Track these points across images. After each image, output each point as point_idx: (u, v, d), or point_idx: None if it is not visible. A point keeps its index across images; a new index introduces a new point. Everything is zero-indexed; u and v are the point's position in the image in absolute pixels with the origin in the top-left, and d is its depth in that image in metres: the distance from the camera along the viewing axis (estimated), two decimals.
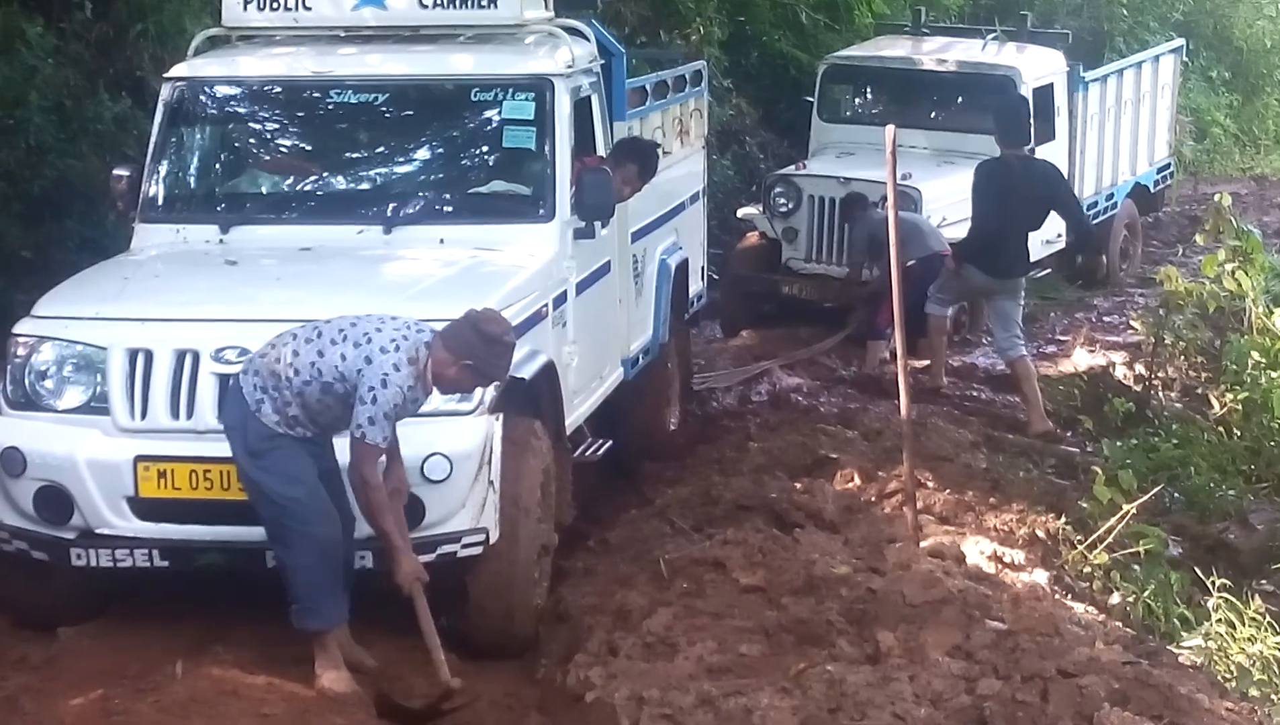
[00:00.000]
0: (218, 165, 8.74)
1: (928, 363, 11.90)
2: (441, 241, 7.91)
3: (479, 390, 6.85)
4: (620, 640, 6.89)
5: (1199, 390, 12.02)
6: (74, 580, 7.05)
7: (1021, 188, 10.97)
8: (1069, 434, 11.17)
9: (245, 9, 8.62)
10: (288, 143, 8.69)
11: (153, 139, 8.37)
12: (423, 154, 8.55)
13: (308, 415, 6.42)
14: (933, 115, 14.62)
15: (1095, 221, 15.62)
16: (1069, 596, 7.60)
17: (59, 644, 7.04)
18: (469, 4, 8.50)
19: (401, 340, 6.34)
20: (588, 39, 8.98)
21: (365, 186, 8.51)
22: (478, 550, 6.92)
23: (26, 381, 7.06)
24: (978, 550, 7.85)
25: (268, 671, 6.56)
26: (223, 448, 6.55)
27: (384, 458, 6.43)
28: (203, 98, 8.54)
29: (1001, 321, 11.29)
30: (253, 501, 6.55)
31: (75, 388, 7.05)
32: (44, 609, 7.22)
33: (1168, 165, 17.87)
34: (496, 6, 8.49)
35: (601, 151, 8.80)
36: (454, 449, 6.78)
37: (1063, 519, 8.65)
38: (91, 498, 6.73)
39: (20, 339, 7.14)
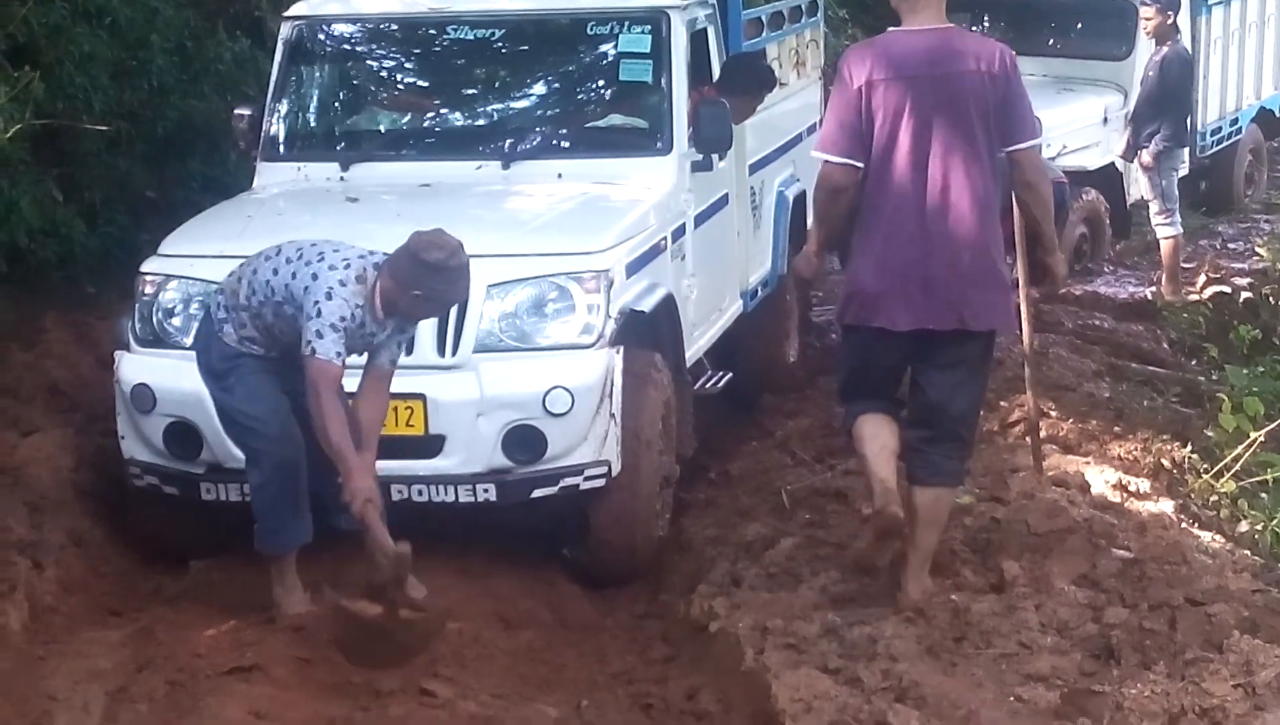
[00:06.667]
0: (337, 103, 8.80)
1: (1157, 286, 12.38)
2: (560, 176, 7.93)
3: (597, 322, 6.89)
4: (743, 571, 6.91)
5: None
6: (204, 514, 7.15)
7: None
8: (1194, 363, 11.03)
9: None
10: (406, 80, 8.74)
11: (273, 78, 8.44)
12: (539, 89, 8.55)
13: (266, 337, 6.34)
14: (1050, 42, 14.40)
15: (1220, 147, 15.44)
16: (1195, 525, 7.50)
17: (191, 577, 7.15)
18: None
19: (353, 260, 6.20)
20: None
21: (483, 122, 8.54)
22: (600, 483, 6.97)
23: (154, 319, 7.17)
24: (1102, 479, 7.77)
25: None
26: (346, 381, 6.45)
27: (370, 386, 6.32)
28: (321, 36, 8.59)
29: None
30: (222, 426, 6.61)
31: None
32: (176, 542, 7.33)
33: None
34: None
35: None
36: (575, 382, 6.82)
37: (1188, 447, 8.53)
38: (219, 433, 6.77)
39: (147, 277, 7.25)
